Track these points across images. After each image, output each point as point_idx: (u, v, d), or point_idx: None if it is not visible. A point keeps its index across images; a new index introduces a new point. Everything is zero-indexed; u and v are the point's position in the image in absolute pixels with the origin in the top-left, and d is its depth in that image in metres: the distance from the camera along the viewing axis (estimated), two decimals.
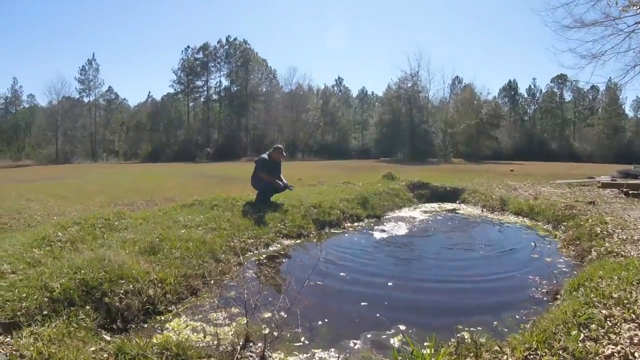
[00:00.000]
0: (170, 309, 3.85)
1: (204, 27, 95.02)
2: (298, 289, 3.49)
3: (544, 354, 2.64)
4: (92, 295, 3.46)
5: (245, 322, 3.29)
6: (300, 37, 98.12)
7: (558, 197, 9.73)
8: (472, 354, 2.77)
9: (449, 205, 10.76)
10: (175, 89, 57.86)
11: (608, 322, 2.98)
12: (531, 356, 2.65)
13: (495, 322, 3.61)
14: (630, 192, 10.40)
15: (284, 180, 8.05)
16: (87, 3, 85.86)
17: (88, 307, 3.33)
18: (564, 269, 5.20)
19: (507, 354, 2.72)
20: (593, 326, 2.91)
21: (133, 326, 3.47)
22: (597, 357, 2.55)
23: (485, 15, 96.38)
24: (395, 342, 3.25)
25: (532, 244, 6.45)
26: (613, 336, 2.78)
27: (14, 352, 2.58)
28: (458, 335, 3.22)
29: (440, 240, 7.02)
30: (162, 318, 3.68)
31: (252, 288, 3.89)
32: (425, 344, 2.94)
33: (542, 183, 13.88)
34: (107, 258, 3.99)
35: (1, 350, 2.60)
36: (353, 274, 5.01)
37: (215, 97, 59.14)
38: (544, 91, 65.27)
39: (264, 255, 5.76)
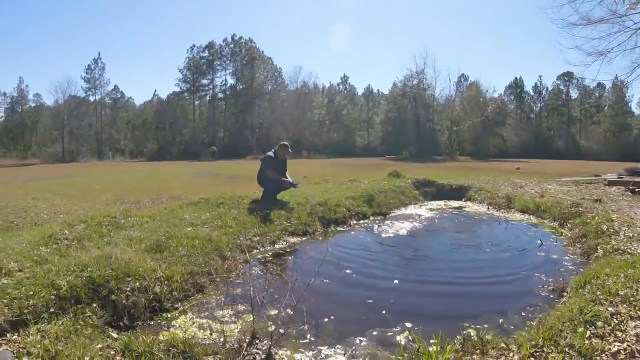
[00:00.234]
0: (176, 306, 3.87)
1: (209, 26, 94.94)
2: (304, 287, 3.49)
3: (550, 351, 2.64)
4: (98, 292, 3.48)
5: (251, 319, 3.30)
6: (306, 36, 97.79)
7: (564, 195, 9.67)
8: (478, 351, 2.77)
9: (455, 203, 10.72)
10: (181, 88, 58.16)
11: (614, 319, 2.97)
12: (537, 353, 2.64)
13: (501, 320, 3.59)
14: (637, 189, 10.33)
15: (290, 178, 8.05)
16: (92, 2, 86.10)
17: (95, 305, 3.34)
18: (570, 267, 5.18)
19: (513, 351, 2.71)
20: (599, 323, 2.91)
21: (140, 323, 3.48)
22: (604, 354, 2.54)
23: (491, 13, 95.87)
24: (401, 339, 3.24)
25: (538, 241, 6.42)
26: (619, 333, 2.77)
27: (21, 350, 2.61)
28: (464, 332, 3.22)
29: (446, 237, 7.00)
30: (169, 315, 3.69)
31: (258, 285, 3.90)
32: (432, 341, 2.94)
33: (548, 181, 13.80)
34: (114, 256, 4.00)
35: (8, 348, 2.62)
36: (359, 272, 5.01)
37: (220, 95, 59.34)
38: (550, 89, 64.81)
39: (270, 253, 5.76)
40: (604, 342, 2.67)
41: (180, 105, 58.49)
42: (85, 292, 3.40)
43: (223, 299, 3.96)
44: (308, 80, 59.26)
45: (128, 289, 3.66)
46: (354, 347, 3.12)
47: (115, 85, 62.52)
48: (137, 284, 3.76)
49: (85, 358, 2.59)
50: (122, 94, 64.38)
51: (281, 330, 3.16)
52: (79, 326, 3.01)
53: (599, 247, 5.46)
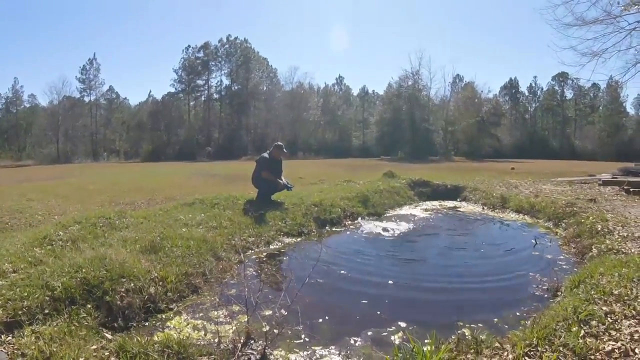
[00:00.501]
0: (171, 307, 3.85)
1: (204, 26, 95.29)
2: (299, 287, 3.49)
3: (544, 350, 2.64)
4: (93, 293, 3.47)
5: (246, 320, 3.29)
6: (301, 36, 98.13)
7: (559, 195, 9.72)
8: (472, 350, 2.77)
9: (449, 203, 10.76)
10: (176, 88, 58.15)
11: (609, 318, 2.97)
12: (531, 352, 2.65)
13: (495, 319, 3.61)
14: (631, 189, 10.38)
15: (284, 180, 8.03)
16: (88, 2, 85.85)
17: (89, 306, 3.33)
18: (564, 266, 5.21)
19: (507, 350, 2.72)
20: (593, 323, 2.91)
21: (134, 324, 3.46)
22: (598, 354, 2.55)
23: (486, 14, 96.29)
24: (395, 339, 3.25)
25: (533, 241, 6.45)
26: (614, 332, 2.78)
27: (15, 351, 2.59)
28: (458, 332, 3.24)
29: (441, 237, 7.03)
30: (163, 316, 3.68)
31: (252, 286, 3.88)
32: (426, 340, 2.95)
33: (542, 181, 13.86)
34: (108, 257, 3.99)
35: (3, 349, 2.61)
36: (353, 272, 5.01)
37: (216, 96, 59.36)
38: (545, 89, 65.28)
39: (265, 254, 5.75)
40: (598, 341, 2.68)
41: (176, 106, 58.38)
42: (79, 293, 3.39)
43: (217, 300, 3.94)
44: (303, 80, 59.37)
45: (122, 290, 3.64)
46: (348, 347, 3.12)
47: (110, 86, 62.50)
48: (132, 284, 3.74)
49: (80, 359, 2.58)
50: (117, 94, 64.34)
51: (276, 331, 3.16)
52: (73, 327, 2.99)
53: (593, 247, 5.49)
